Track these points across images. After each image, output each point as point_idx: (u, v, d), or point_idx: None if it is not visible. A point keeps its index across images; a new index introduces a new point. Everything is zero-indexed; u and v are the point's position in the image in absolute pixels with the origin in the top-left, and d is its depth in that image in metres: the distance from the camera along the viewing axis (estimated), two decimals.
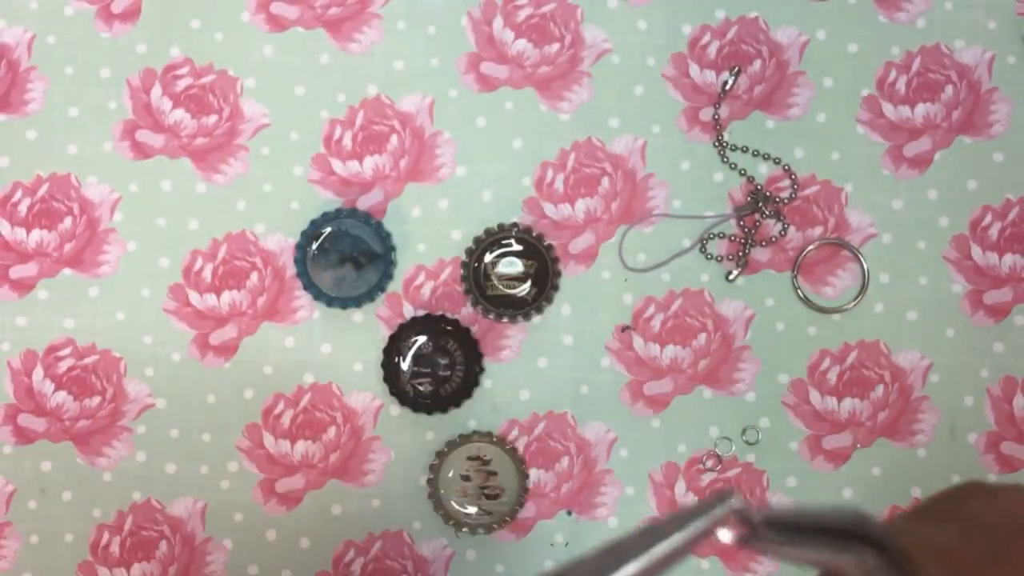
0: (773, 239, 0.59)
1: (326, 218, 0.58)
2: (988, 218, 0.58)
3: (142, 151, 0.59)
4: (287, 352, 0.59)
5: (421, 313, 0.58)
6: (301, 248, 0.58)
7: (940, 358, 0.58)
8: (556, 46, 0.59)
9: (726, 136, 0.59)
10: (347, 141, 0.59)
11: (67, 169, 0.59)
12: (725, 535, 0.30)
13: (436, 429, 0.58)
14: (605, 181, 0.59)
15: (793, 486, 0.58)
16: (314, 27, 0.60)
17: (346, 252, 0.58)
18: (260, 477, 0.58)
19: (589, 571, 0.29)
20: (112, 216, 0.59)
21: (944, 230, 0.59)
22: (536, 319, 0.59)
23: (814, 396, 0.58)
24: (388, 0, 0.60)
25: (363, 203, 0.59)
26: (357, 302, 0.58)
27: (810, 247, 0.58)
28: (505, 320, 0.58)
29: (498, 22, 0.59)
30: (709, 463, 0.58)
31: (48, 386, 0.58)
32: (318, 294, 0.58)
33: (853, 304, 0.58)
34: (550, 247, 0.58)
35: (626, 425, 0.58)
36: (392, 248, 0.58)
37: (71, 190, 0.59)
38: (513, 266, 0.58)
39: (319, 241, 0.58)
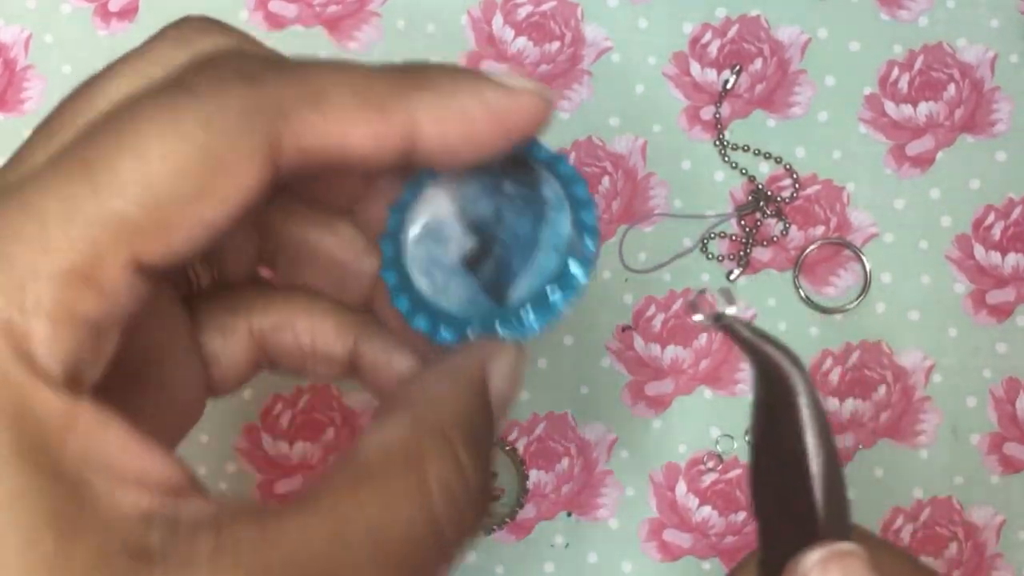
0: (774, 239, 0.58)
1: None
2: (991, 217, 0.58)
3: None
4: None
5: None
6: None
7: (943, 358, 0.58)
8: (556, 44, 0.59)
9: (727, 135, 0.59)
10: None
11: None
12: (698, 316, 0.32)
13: None
14: (605, 180, 0.59)
15: None
16: (313, 25, 0.59)
17: None
18: (259, 478, 0.58)
19: None
20: None
21: (947, 230, 0.58)
22: None
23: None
24: None
25: None
26: None
27: (811, 247, 0.58)
28: None
29: (498, 20, 0.59)
30: (710, 463, 0.58)
31: None
32: None
33: (855, 304, 0.58)
34: None
35: (626, 425, 0.58)
36: None
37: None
38: None
39: None
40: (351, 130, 0.25)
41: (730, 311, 0.30)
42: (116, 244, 0.23)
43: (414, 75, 0.26)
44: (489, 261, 0.30)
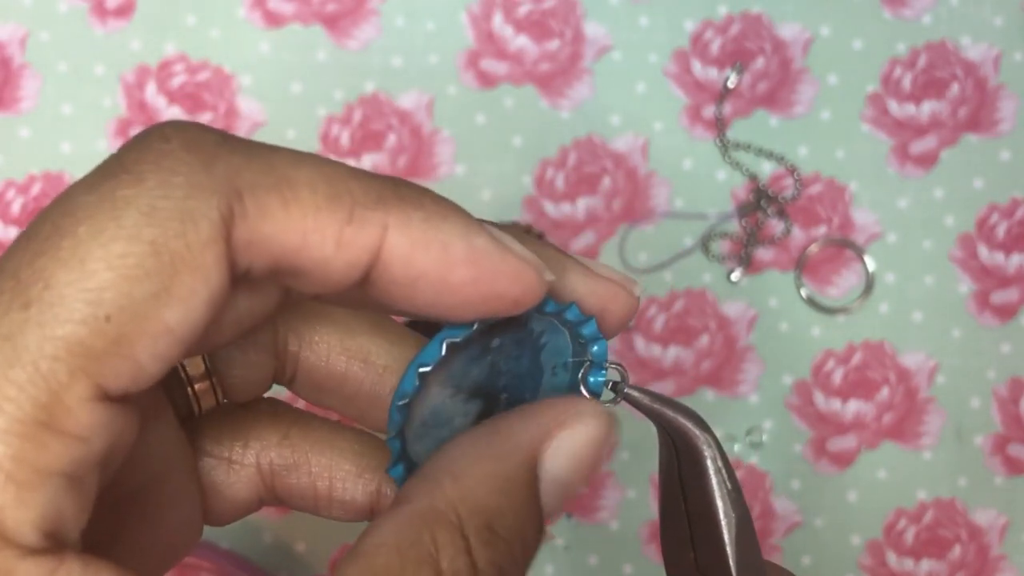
0: (776, 238, 0.58)
1: None
2: (995, 217, 0.58)
3: None
4: None
5: None
6: None
7: (946, 359, 0.57)
8: (557, 42, 0.59)
9: (729, 134, 0.58)
10: (345, 139, 0.58)
11: (60, 167, 0.58)
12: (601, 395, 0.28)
13: None
14: (606, 180, 0.58)
15: (797, 489, 0.57)
16: (311, 23, 0.59)
17: None
18: None
19: None
20: None
21: (950, 229, 0.58)
22: None
23: (818, 398, 0.57)
24: None
25: None
26: None
27: (813, 246, 0.58)
28: None
29: (498, 18, 0.59)
30: None
31: None
32: None
33: (857, 304, 0.58)
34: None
35: (627, 427, 0.58)
36: None
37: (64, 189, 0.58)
38: None
39: None
40: (313, 227, 0.21)
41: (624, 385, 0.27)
42: (72, 378, 0.20)
43: (399, 188, 0.22)
44: (499, 412, 0.27)
